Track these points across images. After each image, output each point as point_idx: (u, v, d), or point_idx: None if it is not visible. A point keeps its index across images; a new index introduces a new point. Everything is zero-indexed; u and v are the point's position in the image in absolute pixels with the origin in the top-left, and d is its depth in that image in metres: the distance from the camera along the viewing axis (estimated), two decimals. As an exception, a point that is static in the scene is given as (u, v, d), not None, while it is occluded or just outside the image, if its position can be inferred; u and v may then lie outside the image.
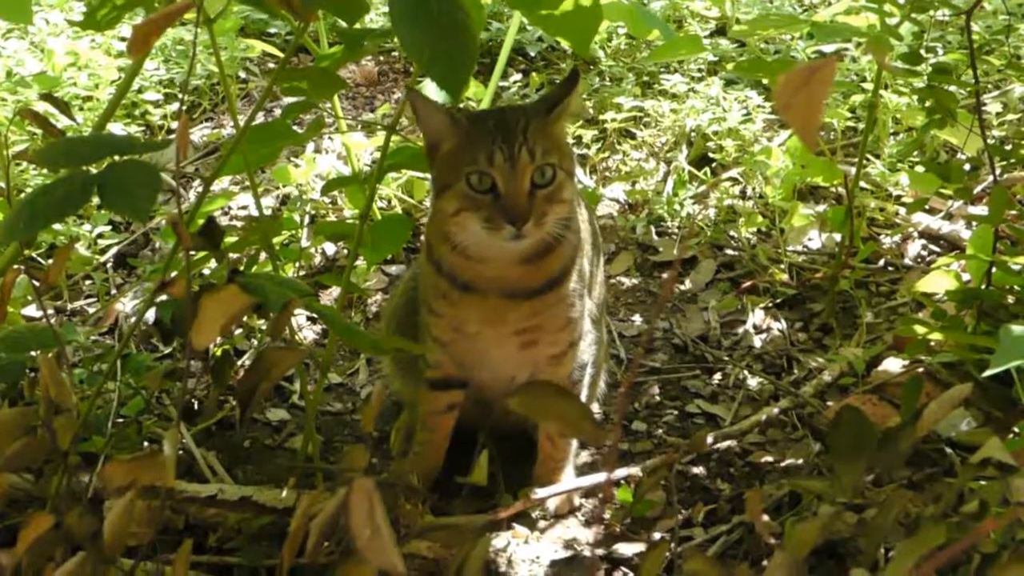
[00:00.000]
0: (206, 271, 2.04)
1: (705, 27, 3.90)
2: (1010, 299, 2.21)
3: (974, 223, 2.43)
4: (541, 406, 1.24)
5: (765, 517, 1.95)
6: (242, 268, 1.67)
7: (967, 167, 2.40)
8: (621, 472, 2.08)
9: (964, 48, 2.91)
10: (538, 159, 1.74)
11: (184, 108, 3.39)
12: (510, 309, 1.88)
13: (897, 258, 2.83)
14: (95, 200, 1.49)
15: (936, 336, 2.18)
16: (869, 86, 3.04)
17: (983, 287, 2.22)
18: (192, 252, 1.43)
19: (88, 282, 2.75)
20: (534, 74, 3.61)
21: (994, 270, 2.21)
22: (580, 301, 1.94)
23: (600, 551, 1.95)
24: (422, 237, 2.91)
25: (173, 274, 1.46)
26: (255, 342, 2.51)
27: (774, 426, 2.27)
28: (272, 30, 3.90)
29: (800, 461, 2.15)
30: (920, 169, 2.85)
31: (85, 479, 1.71)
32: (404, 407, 2.26)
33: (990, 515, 1.34)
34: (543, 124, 1.78)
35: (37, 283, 1.62)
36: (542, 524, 2.03)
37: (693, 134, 3.23)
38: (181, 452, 2.09)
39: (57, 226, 2.75)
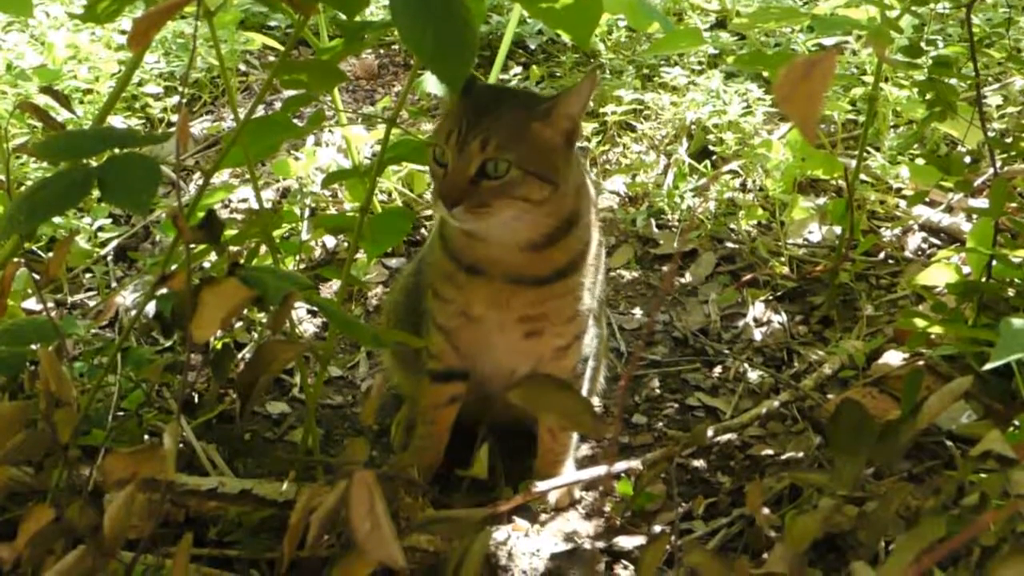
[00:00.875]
0: (206, 264, 2.04)
1: (705, 20, 3.89)
2: (1010, 292, 2.21)
3: (974, 216, 2.43)
4: (541, 399, 1.24)
5: (765, 510, 1.95)
6: (242, 261, 1.67)
7: (967, 160, 2.41)
8: (621, 465, 2.08)
9: (964, 41, 2.91)
10: (490, 151, 1.73)
11: (184, 101, 3.39)
12: (515, 295, 1.88)
13: (897, 251, 2.83)
14: (95, 193, 1.49)
15: (936, 329, 2.18)
16: (869, 79, 3.04)
17: (983, 280, 2.22)
18: (192, 245, 1.43)
19: (88, 275, 2.75)
20: (534, 67, 3.61)
21: (994, 263, 2.21)
22: (588, 295, 1.94)
23: (600, 544, 1.95)
24: (423, 230, 2.91)
25: (173, 267, 1.46)
26: (255, 335, 2.51)
27: (774, 419, 2.28)
28: (272, 23, 3.90)
29: (800, 454, 2.15)
30: (920, 162, 2.85)
31: (85, 472, 1.70)
32: (404, 400, 2.26)
33: (990, 508, 1.34)
34: (523, 120, 1.76)
35: (37, 276, 1.62)
36: (543, 517, 2.03)
37: (693, 127, 3.23)
38: (181, 445, 2.09)
39: (57, 219, 2.75)
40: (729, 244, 2.89)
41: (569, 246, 1.87)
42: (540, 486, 1.98)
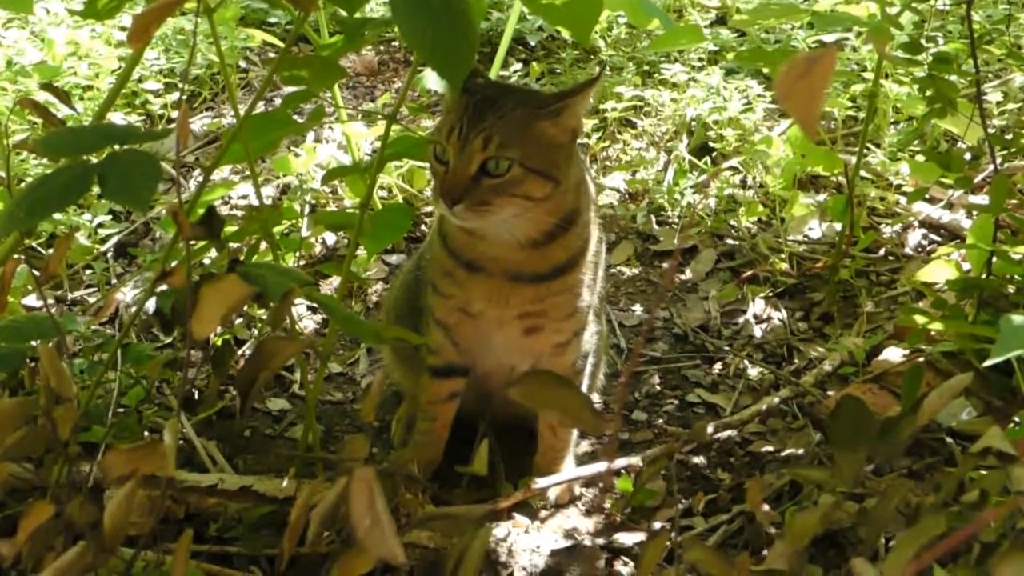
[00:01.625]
0: (206, 261, 2.04)
1: (705, 16, 3.89)
2: (1010, 288, 2.21)
3: (975, 212, 2.43)
4: (541, 396, 1.24)
5: (765, 507, 1.95)
6: (242, 258, 1.67)
7: (968, 156, 2.40)
8: (621, 462, 2.08)
9: (965, 37, 2.91)
10: (491, 150, 1.72)
11: (184, 97, 3.39)
12: (515, 291, 1.88)
13: (897, 247, 2.83)
14: (95, 190, 1.49)
15: (936, 325, 2.18)
16: (870, 75, 3.04)
17: (983, 276, 2.22)
18: (192, 242, 1.43)
19: (88, 272, 2.75)
20: (534, 63, 3.61)
21: (994, 259, 2.21)
22: (588, 292, 1.94)
23: (600, 540, 1.95)
24: (423, 226, 2.91)
25: (173, 264, 1.46)
26: (255, 332, 2.51)
27: (774, 415, 2.28)
28: (272, 19, 3.90)
29: (800, 450, 2.15)
30: (921, 158, 2.85)
31: (85, 469, 1.71)
32: (404, 397, 2.26)
33: (990, 504, 1.34)
34: (526, 117, 1.75)
35: (37, 273, 1.62)
36: (543, 514, 2.03)
37: (693, 123, 3.23)
38: (181, 442, 2.09)
39: (57, 216, 2.74)
40: (729, 240, 2.89)
41: (569, 243, 1.87)
42: (540, 482, 1.99)
